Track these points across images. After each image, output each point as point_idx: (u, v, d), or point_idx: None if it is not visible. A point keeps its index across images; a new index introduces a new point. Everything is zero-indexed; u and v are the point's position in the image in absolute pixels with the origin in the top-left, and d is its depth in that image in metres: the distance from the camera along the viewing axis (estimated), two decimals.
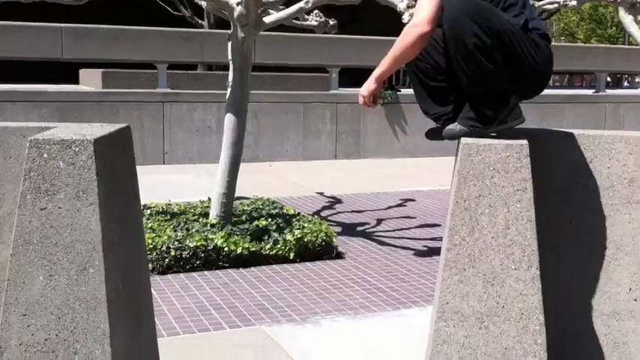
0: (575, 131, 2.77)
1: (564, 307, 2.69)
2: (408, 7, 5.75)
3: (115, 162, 2.77)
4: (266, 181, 8.53)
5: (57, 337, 2.33)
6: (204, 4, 7.06)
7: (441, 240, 5.04)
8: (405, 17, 5.74)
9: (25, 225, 2.40)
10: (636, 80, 18.39)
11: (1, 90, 9.47)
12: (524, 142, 2.48)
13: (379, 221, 6.56)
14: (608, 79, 18.36)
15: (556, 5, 8.02)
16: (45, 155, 2.44)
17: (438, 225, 6.35)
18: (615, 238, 2.69)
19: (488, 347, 2.36)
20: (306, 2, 5.84)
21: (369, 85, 2.86)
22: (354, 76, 12.11)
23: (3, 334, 2.31)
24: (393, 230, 6.23)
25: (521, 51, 2.55)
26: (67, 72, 11.31)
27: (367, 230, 6.22)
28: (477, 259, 2.39)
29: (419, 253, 5.45)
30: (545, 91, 11.78)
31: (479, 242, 2.40)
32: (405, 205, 7.34)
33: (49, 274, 2.36)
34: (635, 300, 2.68)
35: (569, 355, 2.70)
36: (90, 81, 10.79)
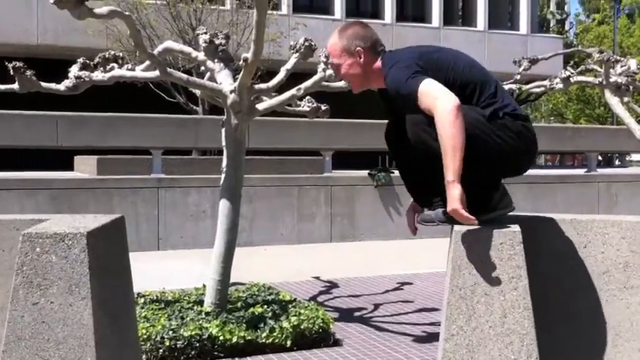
0: (567, 216, 2.78)
1: None
2: None
3: (108, 254, 2.76)
4: (261, 265, 8.47)
5: None
6: (198, 92, 7.20)
7: (440, 325, 4.97)
8: None
9: (17, 320, 2.37)
10: (627, 159, 18.63)
11: None
12: (517, 228, 2.49)
13: (376, 306, 6.48)
14: (600, 157, 18.58)
15: (543, 89, 8.20)
16: (38, 249, 2.43)
17: (436, 309, 6.27)
18: (614, 324, 2.67)
19: None
20: (298, 89, 5.96)
21: (455, 191, 2.42)
22: (347, 159, 12.25)
23: None
24: (391, 315, 6.15)
25: (489, 139, 2.57)
26: (63, 159, 11.40)
27: (365, 315, 6.13)
28: (475, 350, 2.36)
29: (418, 339, 5.35)
30: (538, 172, 11.90)
31: (476, 332, 2.37)
32: (402, 289, 7.28)
33: None
34: None
35: None
36: (85, 167, 10.87)
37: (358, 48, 2.71)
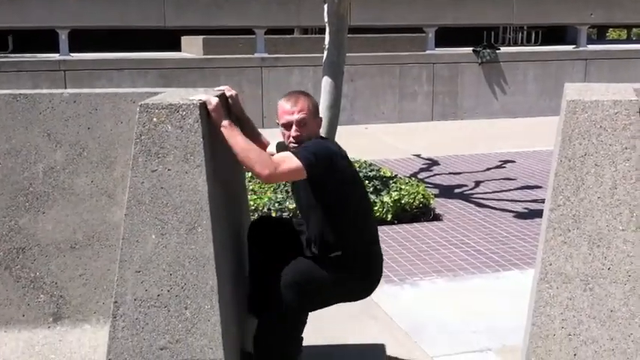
0: None
1: None
2: None
3: None
4: (362, 143, 8.55)
5: (169, 293, 2.45)
6: None
7: (543, 202, 4.92)
8: None
9: (137, 186, 2.52)
10: None
11: (110, 58, 9.89)
12: (634, 97, 2.39)
13: (477, 183, 6.47)
14: None
15: None
16: (154, 119, 2.55)
17: (539, 187, 6.19)
18: None
19: (593, 309, 2.32)
20: None
21: (215, 103, 2.64)
22: (450, 35, 11.86)
23: (119, 289, 2.46)
24: (492, 192, 6.13)
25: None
26: (170, 39, 11.64)
27: (465, 192, 6.15)
28: (581, 220, 2.34)
29: (519, 215, 5.35)
30: None
31: (584, 202, 2.34)
32: (504, 167, 7.20)
33: (160, 232, 2.49)
34: None
35: None
36: (191, 48, 11.07)
37: (320, 115, 3.00)
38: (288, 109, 2.89)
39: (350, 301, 2.92)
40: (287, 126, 2.89)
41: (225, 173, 2.89)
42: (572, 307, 2.33)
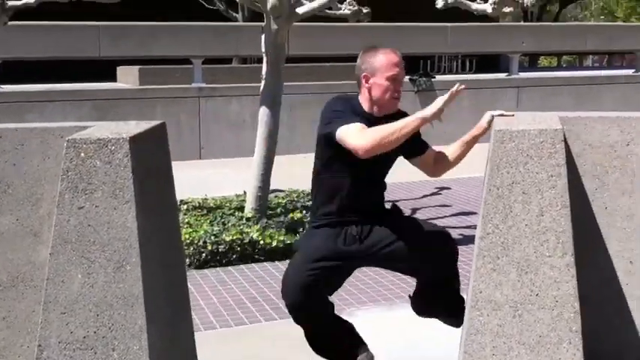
0: (610, 114, 2.72)
1: (604, 294, 2.64)
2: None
3: (151, 159, 2.81)
4: (301, 173, 8.51)
5: (95, 335, 2.37)
6: None
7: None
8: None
9: (63, 224, 2.45)
10: None
11: (41, 90, 9.67)
12: (559, 126, 2.45)
13: (414, 210, 6.53)
14: None
15: None
16: (82, 154, 2.48)
17: (474, 213, 6.29)
18: None
19: (523, 336, 2.34)
20: None
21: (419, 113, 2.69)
22: None
23: (43, 332, 2.37)
24: (429, 219, 6.19)
25: None
26: (105, 69, 11.48)
27: None
28: (510, 247, 2.37)
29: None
30: (584, 73, 11.58)
31: (512, 230, 2.38)
32: (440, 194, 7.30)
33: (87, 272, 2.41)
34: None
35: (613, 344, 2.65)
36: (127, 78, 10.94)
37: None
38: (399, 61, 2.74)
39: None
40: (395, 80, 2.74)
41: (157, 208, 2.83)
42: (502, 333, 2.35)
